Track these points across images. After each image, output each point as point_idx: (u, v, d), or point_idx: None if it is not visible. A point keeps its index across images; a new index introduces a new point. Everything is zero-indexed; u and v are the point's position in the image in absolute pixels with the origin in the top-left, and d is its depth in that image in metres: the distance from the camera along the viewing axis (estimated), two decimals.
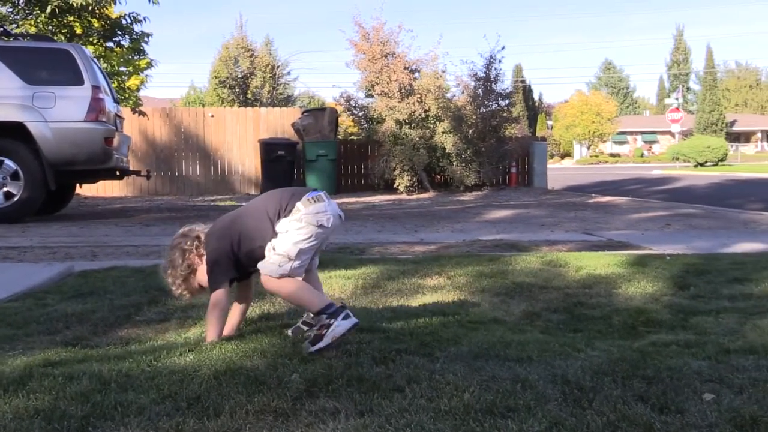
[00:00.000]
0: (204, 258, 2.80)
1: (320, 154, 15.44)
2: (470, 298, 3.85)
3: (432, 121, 16.10)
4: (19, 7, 12.85)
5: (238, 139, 17.16)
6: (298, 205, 2.69)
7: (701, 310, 3.56)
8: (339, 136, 17.32)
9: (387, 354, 2.52)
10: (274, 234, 2.70)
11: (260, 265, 2.70)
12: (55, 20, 12.52)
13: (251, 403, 2.07)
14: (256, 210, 2.83)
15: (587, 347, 2.75)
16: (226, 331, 2.87)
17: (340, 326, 2.59)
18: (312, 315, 2.73)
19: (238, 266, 2.80)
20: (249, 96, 28.08)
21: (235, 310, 2.96)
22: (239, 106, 24.42)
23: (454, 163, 15.75)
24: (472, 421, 1.94)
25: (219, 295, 2.78)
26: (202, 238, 2.83)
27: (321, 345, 2.55)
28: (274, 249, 2.67)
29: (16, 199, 8.82)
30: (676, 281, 4.21)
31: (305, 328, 2.89)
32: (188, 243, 2.82)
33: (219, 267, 2.76)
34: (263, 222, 2.73)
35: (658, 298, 3.83)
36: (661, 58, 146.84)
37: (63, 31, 12.78)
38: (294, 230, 2.67)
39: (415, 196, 14.98)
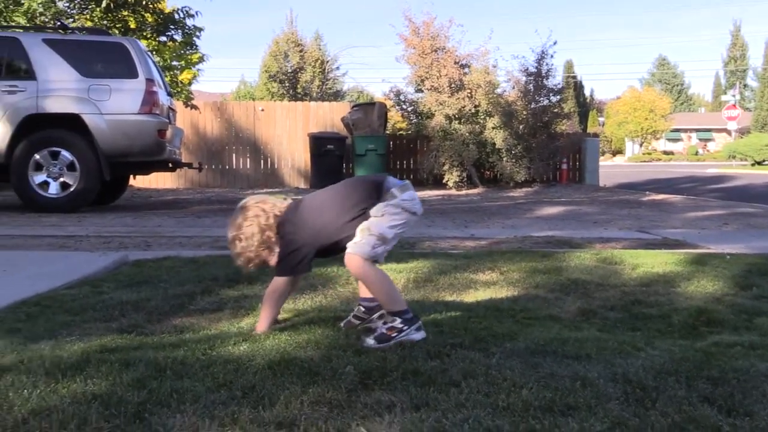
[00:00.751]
0: (280, 239, 2.74)
1: (369, 149, 15.41)
2: (524, 294, 3.79)
3: (482, 117, 15.96)
4: (76, 1, 13.12)
5: (288, 133, 17.27)
6: (394, 191, 2.68)
7: (765, 311, 3.43)
8: (388, 131, 17.29)
9: (441, 348, 2.49)
10: (364, 219, 2.66)
11: (351, 244, 2.65)
12: (109, 15, 12.77)
13: (306, 393, 2.05)
14: (336, 200, 2.79)
15: (647, 346, 2.67)
16: None
17: (412, 335, 2.59)
18: (378, 311, 2.77)
19: (315, 256, 2.77)
20: (299, 90, 28.29)
21: None
22: (289, 101, 24.60)
23: (504, 159, 15.59)
24: (531, 419, 1.89)
25: (282, 280, 2.76)
26: (280, 216, 2.76)
27: (385, 345, 2.53)
28: (369, 229, 2.64)
29: (72, 189, 9.03)
30: (738, 281, 4.07)
31: (356, 322, 2.88)
32: (267, 219, 2.74)
33: (296, 258, 2.71)
34: (349, 213, 2.69)
35: (719, 298, 3.70)
36: (717, 53, 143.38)
37: (117, 25, 13.02)
38: (390, 215, 2.65)
39: (464, 192, 14.88)
